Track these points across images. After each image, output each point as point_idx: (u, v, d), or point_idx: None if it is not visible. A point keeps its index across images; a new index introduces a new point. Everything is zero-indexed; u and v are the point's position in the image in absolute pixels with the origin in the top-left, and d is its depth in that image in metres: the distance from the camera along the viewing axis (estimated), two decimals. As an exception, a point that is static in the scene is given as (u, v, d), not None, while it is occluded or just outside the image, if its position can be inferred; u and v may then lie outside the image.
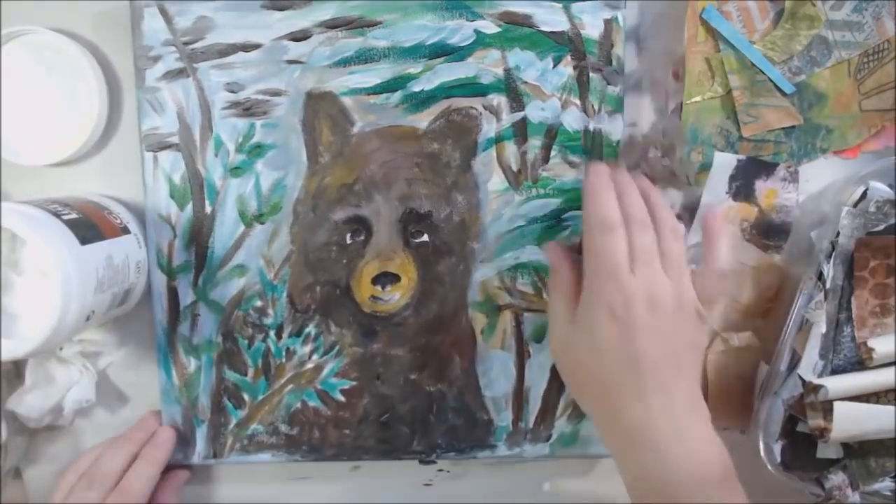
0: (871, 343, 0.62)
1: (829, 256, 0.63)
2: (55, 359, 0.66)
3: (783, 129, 0.65)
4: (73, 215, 0.57)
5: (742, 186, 0.65)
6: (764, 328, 0.67)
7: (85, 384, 0.66)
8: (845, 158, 0.67)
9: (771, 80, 0.64)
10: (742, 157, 0.65)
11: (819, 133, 0.65)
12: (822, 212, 0.66)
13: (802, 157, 0.66)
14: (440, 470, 0.71)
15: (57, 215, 0.56)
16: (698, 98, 0.64)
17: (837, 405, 0.61)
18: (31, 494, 0.70)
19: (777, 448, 0.64)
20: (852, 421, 0.61)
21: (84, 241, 0.56)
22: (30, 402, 0.64)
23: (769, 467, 0.64)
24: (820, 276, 0.63)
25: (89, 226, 0.58)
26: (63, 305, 0.53)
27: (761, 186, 0.65)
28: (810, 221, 0.66)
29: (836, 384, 0.62)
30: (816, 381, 0.62)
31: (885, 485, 0.63)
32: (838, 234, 0.63)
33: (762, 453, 0.64)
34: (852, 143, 0.66)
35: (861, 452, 0.64)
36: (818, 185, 0.67)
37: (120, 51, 0.64)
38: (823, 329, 0.63)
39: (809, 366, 0.63)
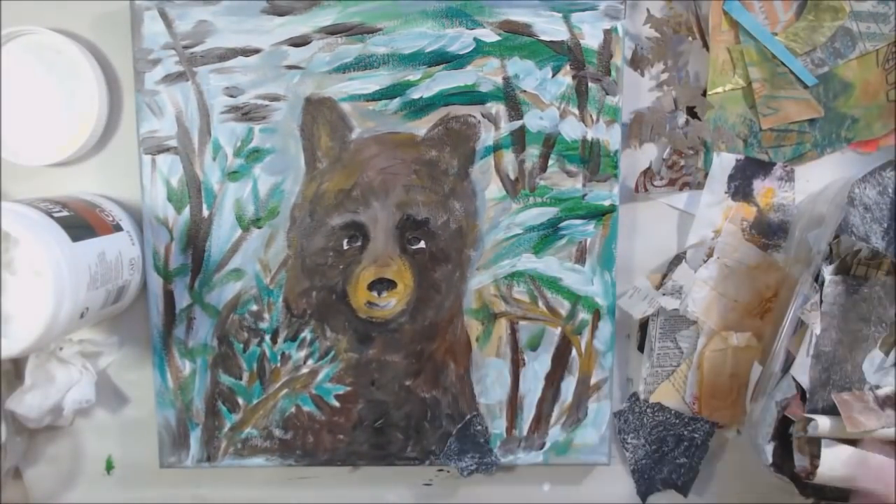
0: None
1: (827, 259, 0.61)
2: (55, 359, 0.64)
3: (805, 119, 0.64)
4: (65, 213, 0.56)
5: (741, 186, 0.64)
6: (762, 328, 0.65)
7: (85, 384, 0.64)
8: (863, 153, 0.65)
9: (792, 73, 0.63)
10: (741, 156, 0.64)
11: (844, 122, 0.64)
12: (819, 213, 0.64)
13: (826, 147, 0.65)
14: (440, 470, 0.69)
15: (48, 213, 0.54)
16: (720, 89, 0.63)
17: (826, 449, 0.58)
18: (31, 494, 0.69)
19: (769, 449, 0.61)
20: (841, 465, 0.58)
21: (76, 238, 0.54)
22: (30, 402, 0.62)
23: (761, 467, 0.62)
24: (817, 278, 0.61)
25: (81, 223, 0.56)
26: (56, 302, 0.52)
27: (759, 186, 0.64)
28: (808, 222, 0.64)
29: (829, 423, 0.58)
30: (809, 415, 0.59)
31: None
32: (837, 237, 0.60)
33: (754, 454, 0.62)
34: (878, 134, 0.64)
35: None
36: (817, 186, 0.66)
37: (120, 52, 0.63)
38: (818, 331, 0.60)
39: (802, 367, 0.60)
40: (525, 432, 0.65)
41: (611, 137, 0.62)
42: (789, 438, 0.62)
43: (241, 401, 0.64)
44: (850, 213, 0.60)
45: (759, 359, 0.64)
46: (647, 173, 0.65)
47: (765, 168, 0.64)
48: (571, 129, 0.62)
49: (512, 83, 0.62)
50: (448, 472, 0.69)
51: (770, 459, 0.61)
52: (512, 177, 0.63)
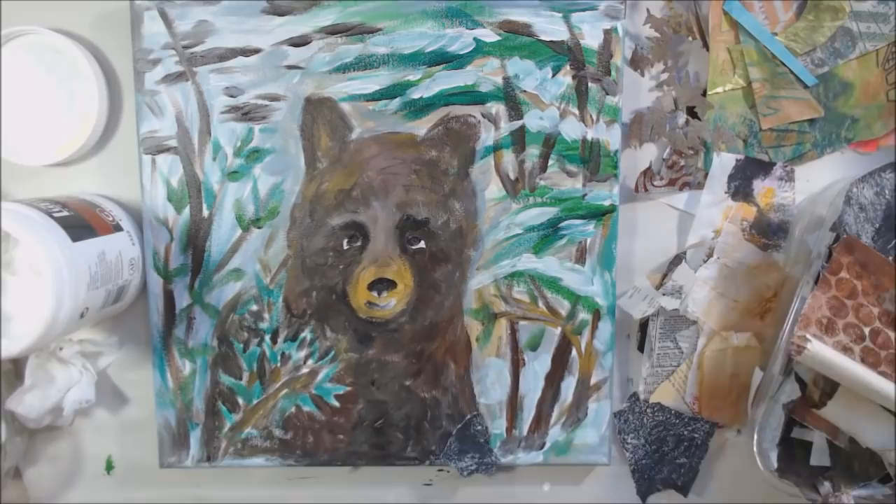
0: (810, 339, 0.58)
1: (828, 261, 0.60)
2: (55, 359, 0.63)
3: (805, 119, 0.64)
4: (65, 213, 0.56)
5: (741, 186, 0.64)
6: (762, 328, 0.65)
7: (85, 384, 0.64)
8: (863, 153, 0.65)
9: (792, 73, 0.63)
10: (741, 156, 0.64)
11: (844, 123, 0.64)
12: (819, 214, 0.63)
13: (826, 147, 0.64)
14: (440, 470, 0.69)
15: (49, 213, 0.54)
16: (720, 89, 0.63)
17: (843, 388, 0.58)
18: (31, 494, 0.68)
19: (774, 454, 0.62)
20: (854, 398, 0.58)
21: (76, 238, 0.54)
22: (30, 402, 0.62)
23: (765, 472, 0.62)
24: (817, 280, 0.60)
25: (81, 223, 0.56)
26: (56, 302, 0.52)
27: (759, 186, 0.64)
28: (808, 222, 0.64)
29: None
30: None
31: (879, 489, 0.61)
32: (836, 239, 0.60)
33: (757, 459, 0.62)
34: (878, 134, 0.64)
35: (846, 459, 0.63)
36: (817, 186, 0.66)
37: (120, 52, 0.63)
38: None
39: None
40: (525, 432, 0.65)
41: (611, 137, 0.62)
42: (792, 443, 0.62)
43: (241, 401, 0.64)
44: (845, 212, 0.60)
45: (759, 360, 0.64)
46: (647, 173, 0.64)
47: (765, 168, 0.64)
48: (571, 129, 0.62)
49: (512, 83, 0.61)
50: (448, 472, 0.68)
51: (776, 465, 0.61)
52: (512, 177, 0.62)
